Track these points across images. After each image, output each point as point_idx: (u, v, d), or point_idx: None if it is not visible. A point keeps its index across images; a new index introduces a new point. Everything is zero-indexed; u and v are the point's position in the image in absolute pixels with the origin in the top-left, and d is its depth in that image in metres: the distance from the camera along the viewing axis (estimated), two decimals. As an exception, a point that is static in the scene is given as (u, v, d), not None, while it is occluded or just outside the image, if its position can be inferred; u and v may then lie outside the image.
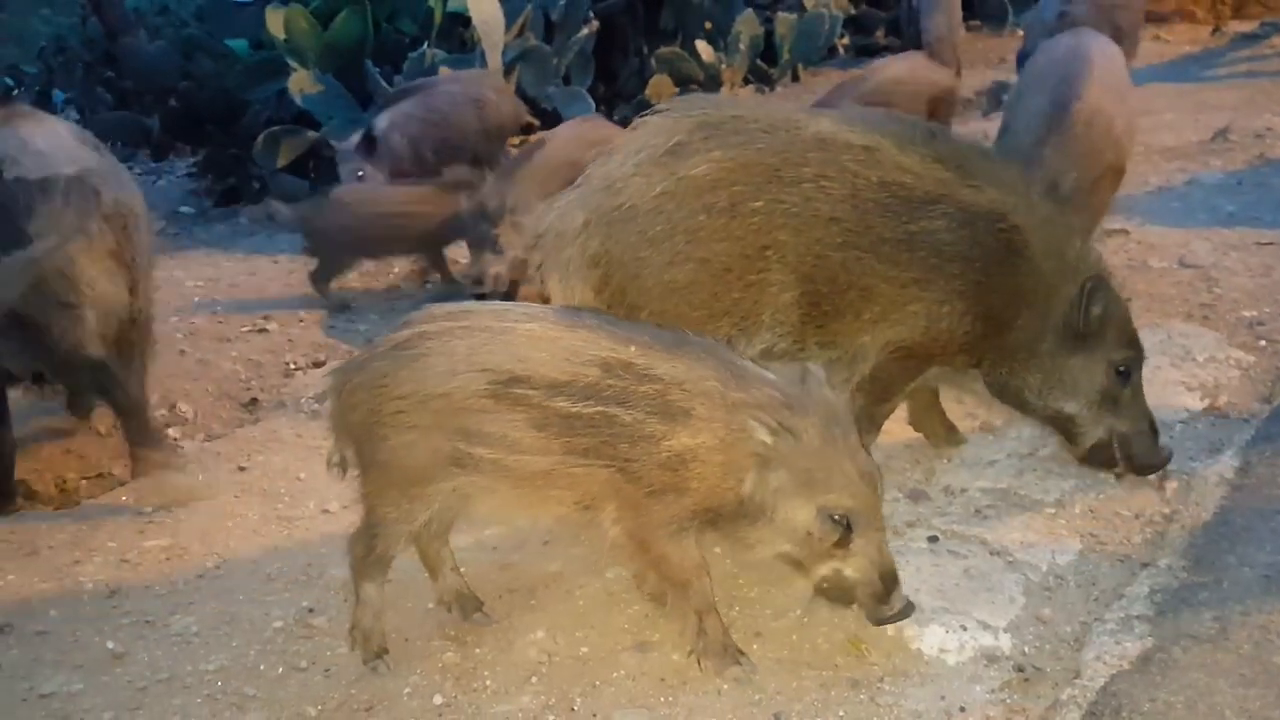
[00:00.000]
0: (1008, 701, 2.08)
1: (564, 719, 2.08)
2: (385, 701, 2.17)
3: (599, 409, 2.01)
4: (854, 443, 2.05)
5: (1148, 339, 3.47)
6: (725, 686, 2.14)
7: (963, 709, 2.06)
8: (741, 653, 2.16)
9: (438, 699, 2.16)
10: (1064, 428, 2.62)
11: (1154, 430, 2.62)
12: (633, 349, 2.05)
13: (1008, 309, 2.53)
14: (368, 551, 2.20)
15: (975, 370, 2.64)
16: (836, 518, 2.01)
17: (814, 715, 2.06)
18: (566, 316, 2.14)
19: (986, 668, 2.17)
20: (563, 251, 2.44)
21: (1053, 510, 2.66)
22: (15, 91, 10.48)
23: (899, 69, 5.26)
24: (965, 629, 2.24)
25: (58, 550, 2.81)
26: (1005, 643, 2.23)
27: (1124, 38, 4.78)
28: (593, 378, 2.02)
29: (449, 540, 2.37)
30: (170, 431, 3.70)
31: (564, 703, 2.12)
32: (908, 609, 2.10)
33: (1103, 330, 2.53)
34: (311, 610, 2.49)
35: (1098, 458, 2.63)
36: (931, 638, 2.23)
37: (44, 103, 10.24)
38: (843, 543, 2.03)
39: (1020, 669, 2.16)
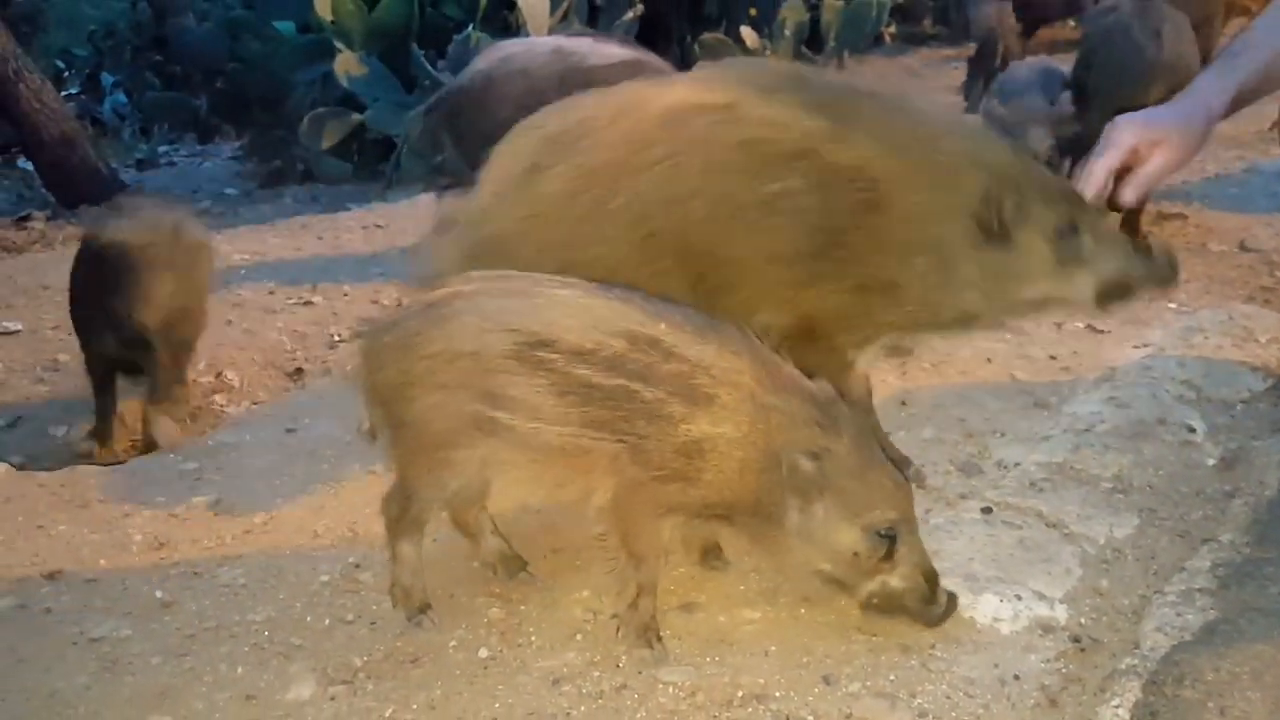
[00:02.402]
0: (1064, 671, 2.03)
1: (609, 674, 2.06)
2: (431, 654, 2.16)
3: (620, 382, 1.95)
4: (879, 451, 2.01)
5: (1209, 320, 3.44)
6: (773, 648, 2.11)
7: (1017, 677, 2.02)
8: (659, 639, 2.09)
9: (483, 652, 2.15)
10: (1049, 308, 2.41)
11: (1146, 252, 2.37)
12: (662, 326, 1.98)
13: (887, 269, 2.28)
14: (401, 514, 2.17)
15: (900, 336, 2.42)
16: (883, 533, 1.97)
17: (864, 678, 2.02)
18: (601, 288, 2.08)
19: (1042, 637, 2.12)
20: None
21: (1110, 485, 2.60)
22: (65, 74, 10.67)
23: None
24: (1020, 599, 2.19)
25: (108, 503, 2.84)
26: (1061, 613, 2.18)
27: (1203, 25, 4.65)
28: (618, 349, 1.95)
29: (485, 507, 2.33)
30: (217, 398, 3.74)
31: (609, 659, 2.10)
32: (954, 601, 2.07)
33: (1024, 212, 2.26)
34: (358, 566, 2.49)
35: (1113, 296, 2.35)
36: (985, 606, 2.18)
37: (93, 85, 10.44)
38: (889, 555, 1.99)
39: (1077, 639, 2.11)
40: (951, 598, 2.07)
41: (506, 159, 2.41)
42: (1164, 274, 2.40)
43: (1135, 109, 4.09)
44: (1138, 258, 2.36)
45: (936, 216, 2.29)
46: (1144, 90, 4.03)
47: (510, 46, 4.56)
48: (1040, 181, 2.34)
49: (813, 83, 2.36)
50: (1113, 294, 2.36)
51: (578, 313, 2.01)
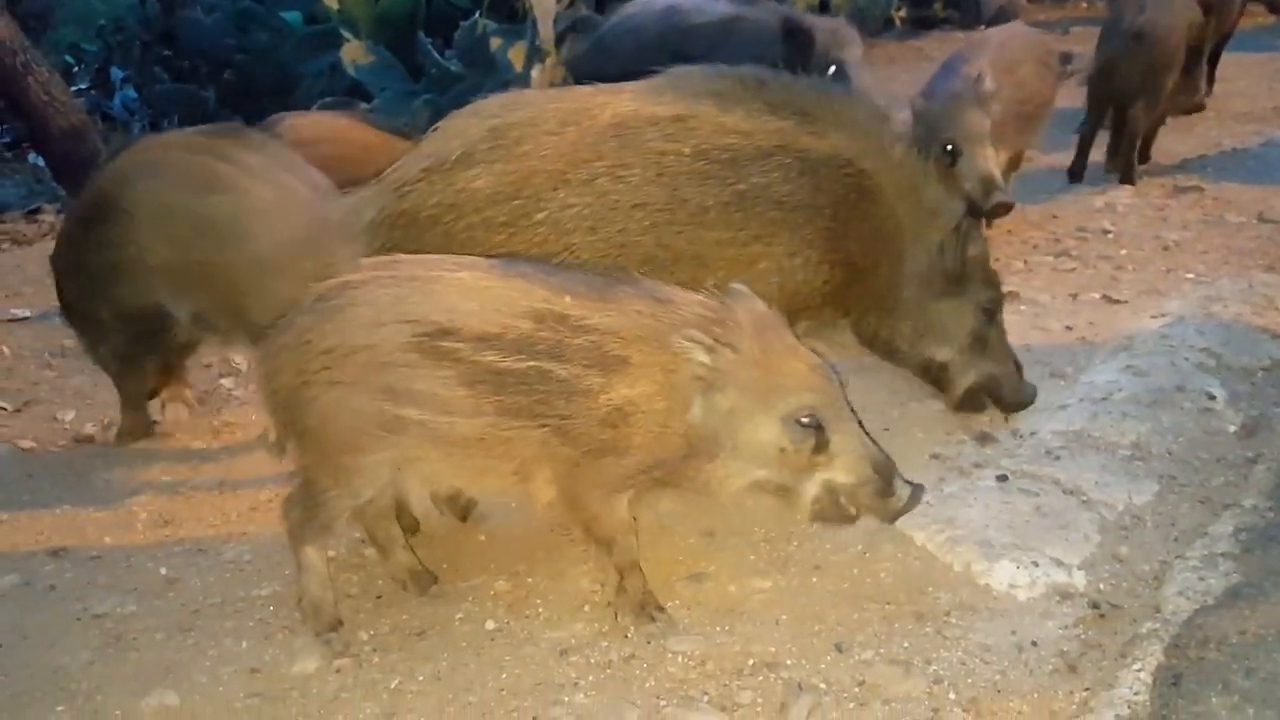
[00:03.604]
0: (1083, 637, 1.99)
1: (618, 644, 2.02)
2: (437, 626, 2.13)
3: (532, 364, 1.87)
4: (793, 341, 1.90)
5: (1228, 289, 3.37)
6: (784, 616, 2.07)
7: (1034, 643, 1.97)
8: (660, 609, 2.04)
9: (490, 624, 2.12)
10: (936, 375, 2.51)
11: (1019, 368, 2.53)
12: (567, 299, 1.91)
13: (867, 255, 2.42)
14: (306, 519, 2.05)
15: (844, 322, 2.54)
16: (805, 420, 1.83)
17: (877, 646, 1.98)
18: (501, 265, 1.99)
19: (1059, 604, 2.07)
20: (353, 246, 2.35)
21: (1128, 452, 2.55)
22: (75, 70, 10.68)
23: None
24: (1037, 565, 2.15)
25: (113, 483, 2.82)
26: (1079, 580, 2.13)
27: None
28: (525, 330, 1.87)
29: (395, 520, 2.24)
30: (224, 381, 3.71)
31: (617, 630, 2.06)
32: (918, 492, 1.89)
33: (972, 272, 2.44)
34: (363, 541, 2.45)
35: (971, 403, 2.54)
36: (1001, 573, 2.14)
37: (103, 80, 10.45)
38: (820, 446, 1.84)
39: (1095, 605, 2.07)
40: (916, 488, 1.89)
41: (445, 138, 2.37)
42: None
43: (1118, 76, 4.26)
44: (1016, 379, 2.55)
45: (915, 234, 2.43)
46: (1121, 56, 4.23)
47: (631, 6, 4.69)
48: (986, 255, 2.49)
49: (773, 85, 2.43)
50: (972, 403, 2.57)
51: (478, 295, 1.90)
